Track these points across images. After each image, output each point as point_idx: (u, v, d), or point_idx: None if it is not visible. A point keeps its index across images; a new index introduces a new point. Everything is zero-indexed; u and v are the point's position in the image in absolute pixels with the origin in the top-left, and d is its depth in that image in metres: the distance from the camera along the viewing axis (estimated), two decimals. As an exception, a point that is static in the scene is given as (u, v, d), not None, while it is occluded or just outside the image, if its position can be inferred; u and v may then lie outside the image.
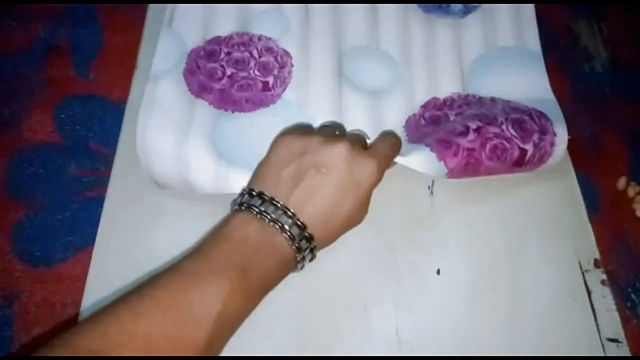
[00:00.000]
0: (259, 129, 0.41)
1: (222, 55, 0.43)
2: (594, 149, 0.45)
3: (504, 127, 0.39)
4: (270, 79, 0.42)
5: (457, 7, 0.47)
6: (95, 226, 0.39)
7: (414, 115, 0.43)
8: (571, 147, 0.43)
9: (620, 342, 0.37)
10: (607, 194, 0.44)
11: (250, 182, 0.35)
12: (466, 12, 0.48)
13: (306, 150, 0.33)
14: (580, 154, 0.44)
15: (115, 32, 0.48)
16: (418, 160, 0.38)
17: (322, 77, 0.43)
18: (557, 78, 0.46)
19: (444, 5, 0.47)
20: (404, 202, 0.41)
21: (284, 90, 0.42)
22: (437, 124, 0.42)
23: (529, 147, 0.39)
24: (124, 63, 0.46)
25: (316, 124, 0.41)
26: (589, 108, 0.47)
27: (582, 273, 0.40)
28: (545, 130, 0.40)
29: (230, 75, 0.42)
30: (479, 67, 0.46)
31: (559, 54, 0.48)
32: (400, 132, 0.43)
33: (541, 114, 0.41)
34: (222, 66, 0.42)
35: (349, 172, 0.33)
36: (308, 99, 0.42)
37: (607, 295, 0.39)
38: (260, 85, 0.42)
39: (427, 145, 0.39)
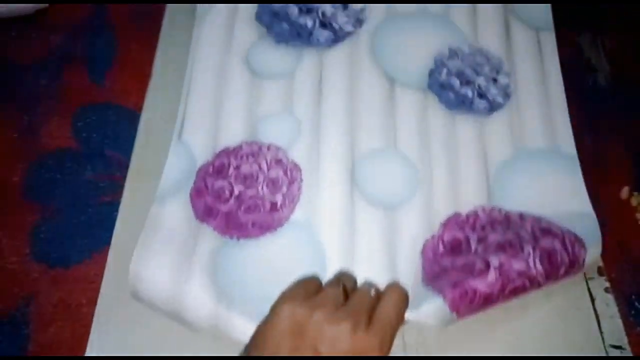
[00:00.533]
0: (264, 259, 0.38)
1: (231, 170, 0.41)
2: (597, 159, 0.46)
3: (530, 261, 0.35)
4: (279, 198, 0.40)
5: (482, 103, 0.45)
6: (111, 229, 0.40)
7: (433, 237, 0.40)
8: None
9: (624, 349, 0.38)
10: (610, 203, 0.44)
11: (249, 346, 0.32)
12: (492, 110, 0.45)
13: (307, 327, 0.31)
14: (584, 163, 0.44)
15: (130, 43, 0.50)
16: (429, 314, 0.35)
17: (333, 192, 0.41)
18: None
19: (468, 101, 0.45)
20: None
21: (292, 210, 0.40)
22: (456, 252, 0.38)
23: (549, 281, 0.36)
24: (139, 72, 0.48)
25: (326, 249, 0.39)
26: (592, 119, 0.48)
27: (586, 280, 0.40)
28: (575, 262, 0.37)
29: (238, 195, 0.40)
30: (506, 172, 0.42)
31: (562, 66, 0.49)
32: (417, 260, 0.39)
33: (576, 239, 0.37)
34: (230, 184, 0.40)
35: (350, 354, 0.30)
36: (318, 219, 0.40)
37: (610, 303, 0.40)
38: (268, 206, 0.40)
39: (439, 292, 0.35)
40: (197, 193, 0.40)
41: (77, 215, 0.42)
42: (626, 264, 0.42)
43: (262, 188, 0.40)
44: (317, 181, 0.41)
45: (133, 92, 0.47)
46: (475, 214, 0.40)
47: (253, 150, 0.42)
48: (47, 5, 0.50)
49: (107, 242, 0.40)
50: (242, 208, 0.40)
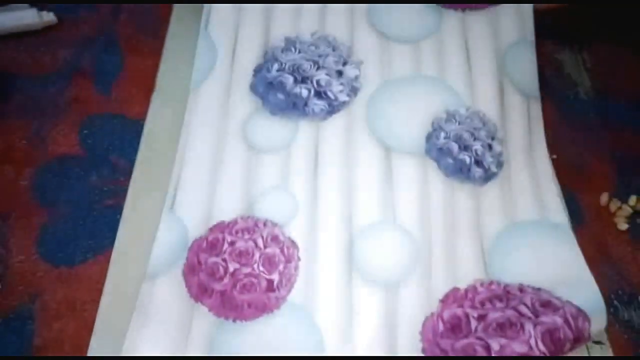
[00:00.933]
0: (261, 343, 0.37)
1: (225, 246, 0.40)
2: (579, 167, 0.49)
3: (532, 341, 0.35)
4: (276, 277, 0.39)
5: (478, 172, 0.44)
6: (114, 231, 0.42)
7: (432, 315, 0.39)
8: (557, 165, 0.47)
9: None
10: (590, 208, 0.47)
11: None
12: (487, 179, 0.44)
13: None
14: (566, 171, 0.47)
15: (135, 57, 0.52)
16: None
17: (331, 272, 0.40)
18: (543, 103, 0.49)
19: (465, 168, 0.44)
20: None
21: (289, 290, 0.39)
22: (456, 331, 0.37)
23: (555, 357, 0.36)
24: (143, 84, 0.50)
25: (323, 332, 0.38)
26: (574, 130, 0.51)
27: (568, 281, 0.42)
28: (580, 336, 0.36)
29: (233, 272, 0.39)
30: (501, 245, 0.42)
31: (544, 82, 0.52)
32: (417, 341, 0.38)
33: (578, 313, 0.37)
34: (224, 260, 0.39)
35: None
36: (315, 300, 0.39)
37: (591, 302, 0.42)
38: (264, 284, 0.39)
39: None
40: (190, 269, 0.39)
41: (83, 218, 0.43)
42: (605, 266, 0.44)
43: (258, 266, 0.39)
44: (315, 260, 0.41)
45: (137, 102, 0.49)
46: (474, 289, 0.39)
47: (248, 225, 0.41)
48: (55, 20, 0.53)
49: (111, 244, 0.42)
50: (238, 287, 0.38)
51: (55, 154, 0.46)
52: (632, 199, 0.47)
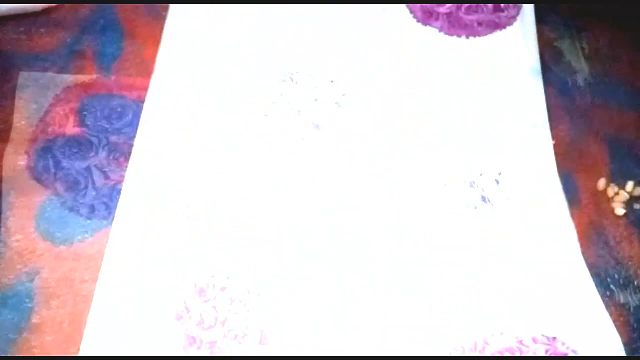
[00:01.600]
0: None
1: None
2: (577, 153, 0.49)
3: None
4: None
5: (485, 209, 0.43)
6: (113, 210, 0.42)
7: None
8: (556, 150, 0.47)
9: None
10: (588, 193, 0.47)
11: None
12: (495, 217, 0.43)
13: None
14: (564, 156, 0.47)
15: (135, 39, 0.52)
16: None
17: (330, 333, 0.38)
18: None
19: (471, 206, 0.43)
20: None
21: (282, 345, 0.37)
22: None
23: None
24: (143, 66, 0.50)
25: None
26: (572, 116, 0.51)
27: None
28: None
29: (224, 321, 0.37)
30: (514, 287, 0.39)
31: (544, 69, 0.52)
32: None
33: None
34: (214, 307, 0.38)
35: None
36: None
37: (588, 285, 0.42)
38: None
39: None
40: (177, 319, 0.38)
41: (81, 197, 0.43)
42: (602, 250, 0.44)
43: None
44: (313, 322, 0.38)
45: (137, 84, 0.49)
46: (484, 341, 0.37)
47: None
48: (55, 2, 0.53)
49: (109, 223, 0.42)
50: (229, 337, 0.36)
51: (55, 134, 0.46)
52: (629, 185, 0.47)
